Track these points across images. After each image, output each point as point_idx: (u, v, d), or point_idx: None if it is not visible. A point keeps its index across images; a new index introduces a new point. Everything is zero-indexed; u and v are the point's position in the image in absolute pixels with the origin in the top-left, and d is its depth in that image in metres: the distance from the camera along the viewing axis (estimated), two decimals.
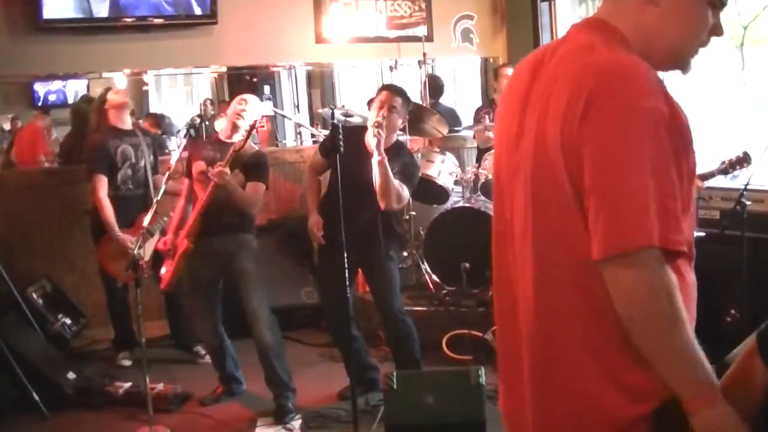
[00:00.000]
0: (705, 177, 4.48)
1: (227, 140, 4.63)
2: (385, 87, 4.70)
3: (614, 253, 1.46)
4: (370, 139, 4.36)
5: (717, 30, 1.67)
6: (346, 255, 4.01)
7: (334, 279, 4.15)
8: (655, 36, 1.63)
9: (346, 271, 4.05)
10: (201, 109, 9.19)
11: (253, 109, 4.71)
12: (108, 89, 5.58)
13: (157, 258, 5.38)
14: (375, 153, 4.32)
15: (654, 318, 1.46)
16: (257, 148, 4.91)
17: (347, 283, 4.14)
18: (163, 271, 4.74)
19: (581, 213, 1.52)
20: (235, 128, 4.64)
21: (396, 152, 4.54)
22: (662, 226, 1.45)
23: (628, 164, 1.46)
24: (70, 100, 8.25)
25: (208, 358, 5.55)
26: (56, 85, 8.90)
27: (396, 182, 4.41)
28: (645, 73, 1.52)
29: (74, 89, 8.40)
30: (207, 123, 4.78)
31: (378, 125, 4.34)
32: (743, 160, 4.38)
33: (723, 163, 4.47)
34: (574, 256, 1.54)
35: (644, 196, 1.44)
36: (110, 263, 5.32)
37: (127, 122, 5.47)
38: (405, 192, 4.52)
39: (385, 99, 4.50)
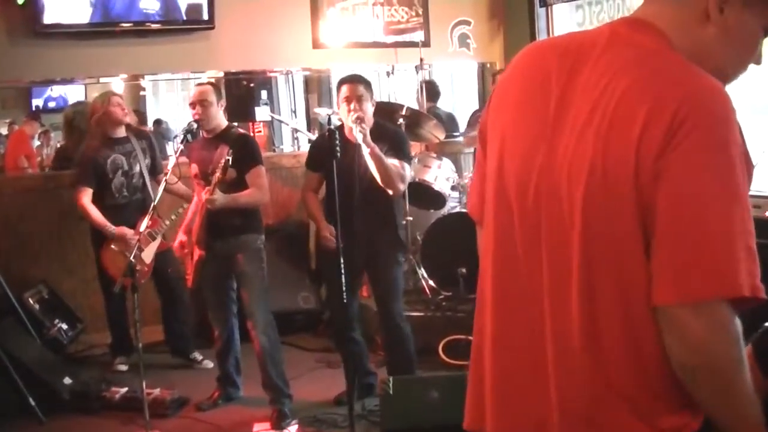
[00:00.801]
0: None
1: (211, 136, 4.65)
2: (344, 81, 4.58)
3: (688, 300, 1.33)
4: (356, 134, 4.32)
5: (759, 59, 1.57)
6: (352, 256, 4.06)
7: (340, 282, 4.14)
8: (706, 55, 1.49)
9: (352, 273, 4.10)
10: None
11: (206, 102, 4.59)
12: (105, 96, 5.49)
13: (160, 260, 5.39)
14: (364, 147, 4.31)
15: (722, 368, 1.37)
16: (242, 131, 4.84)
17: (352, 286, 4.17)
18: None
19: (645, 252, 1.38)
20: (206, 128, 4.65)
21: (379, 132, 4.51)
22: (749, 272, 1.32)
23: (720, 201, 1.33)
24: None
25: (205, 364, 5.57)
26: (57, 90, 8.89)
27: (394, 164, 4.42)
28: (730, 101, 1.40)
29: (75, 94, 8.40)
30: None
31: (359, 120, 4.33)
32: None
33: None
34: (627, 296, 1.41)
35: (733, 239, 1.32)
36: (113, 267, 5.31)
37: (121, 131, 5.44)
38: (406, 170, 4.55)
39: (350, 93, 4.45)
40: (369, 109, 4.52)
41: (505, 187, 1.59)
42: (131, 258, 4.30)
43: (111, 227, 5.22)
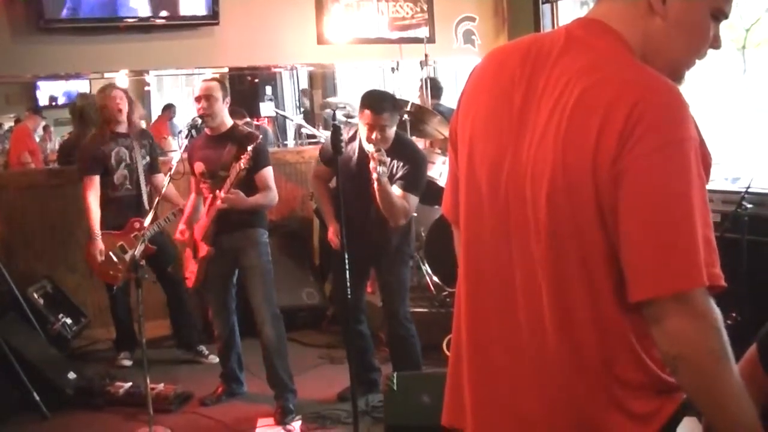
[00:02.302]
0: None
1: (215, 134, 4.65)
2: (367, 105, 4.32)
3: (666, 293, 1.38)
4: (371, 166, 4.20)
5: (716, 42, 1.59)
6: (359, 251, 4.02)
7: (345, 275, 4.12)
8: (659, 48, 1.53)
9: (359, 266, 4.08)
10: None
11: (211, 97, 4.59)
12: (107, 88, 5.58)
13: (159, 257, 5.40)
14: (374, 179, 4.19)
15: (705, 355, 1.40)
16: (250, 130, 4.84)
17: (359, 279, 4.15)
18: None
19: (608, 249, 1.43)
20: (211, 125, 4.65)
21: (398, 150, 4.42)
22: (707, 262, 1.38)
23: (678, 198, 1.38)
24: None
25: (211, 358, 5.57)
26: (63, 85, 8.90)
27: (399, 197, 4.32)
28: (682, 98, 1.44)
29: (80, 90, 8.42)
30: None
31: (379, 162, 4.17)
32: None
33: None
34: (595, 292, 1.46)
35: (695, 232, 1.37)
36: (95, 266, 5.34)
37: (122, 126, 5.48)
38: (411, 203, 4.41)
39: (372, 122, 4.28)
40: (390, 134, 4.37)
41: (477, 191, 1.63)
42: (133, 253, 4.31)
43: (97, 234, 5.29)
